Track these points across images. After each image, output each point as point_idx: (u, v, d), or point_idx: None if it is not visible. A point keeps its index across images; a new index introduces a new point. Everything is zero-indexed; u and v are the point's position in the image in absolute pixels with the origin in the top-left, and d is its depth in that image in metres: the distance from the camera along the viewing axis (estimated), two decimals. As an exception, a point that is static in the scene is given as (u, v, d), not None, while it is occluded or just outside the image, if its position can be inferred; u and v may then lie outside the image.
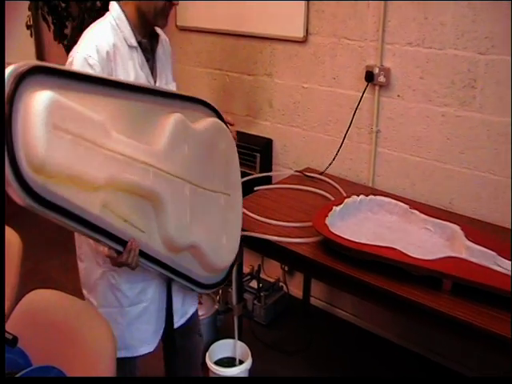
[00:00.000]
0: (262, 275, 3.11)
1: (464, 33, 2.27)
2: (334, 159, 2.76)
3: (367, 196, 2.30)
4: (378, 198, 2.31)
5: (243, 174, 2.69)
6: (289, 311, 3.09)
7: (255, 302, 2.96)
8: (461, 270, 1.79)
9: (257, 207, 2.37)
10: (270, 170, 3.07)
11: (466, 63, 2.29)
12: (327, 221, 2.05)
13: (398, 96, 2.53)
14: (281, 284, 3.14)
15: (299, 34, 2.74)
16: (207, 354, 2.39)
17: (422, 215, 2.17)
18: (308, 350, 2.78)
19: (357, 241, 1.92)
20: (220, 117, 1.86)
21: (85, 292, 1.84)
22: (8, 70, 1.18)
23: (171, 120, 1.59)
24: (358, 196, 2.29)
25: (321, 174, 2.76)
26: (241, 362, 2.40)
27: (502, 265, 1.85)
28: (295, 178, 2.75)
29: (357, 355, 2.76)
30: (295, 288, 3.16)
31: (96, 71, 1.54)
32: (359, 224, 2.17)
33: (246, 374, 2.36)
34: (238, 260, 2.17)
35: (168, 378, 1.87)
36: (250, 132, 3.13)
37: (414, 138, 2.52)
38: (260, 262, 3.12)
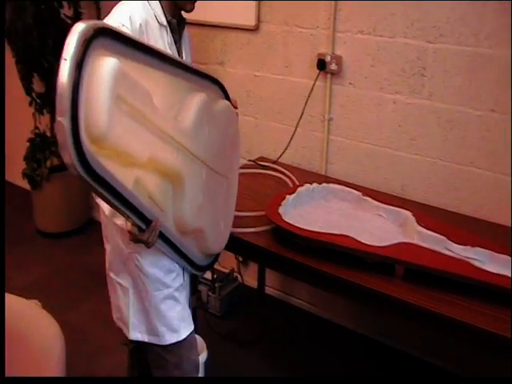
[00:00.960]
0: (217, 266, 3.07)
1: (413, 22, 2.29)
2: (286, 148, 2.75)
3: (320, 184, 2.31)
4: (331, 185, 2.32)
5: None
6: (244, 301, 3.07)
7: (210, 293, 2.93)
8: (412, 255, 1.81)
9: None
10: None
11: (415, 51, 2.32)
12: (280, 210, 2.04)
13: (350, 84, 2.53)
14: (235, 274, 3.12)
15: (251, 22, 2.71)
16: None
17: (375, 202, 2.18)
18: (264, 340, 2.78)
19: (310, 229, 1.92)
20: (229, 99, 1.88)
21: (112, 275, 1.79)
22: (77, 29, 1.10)
23: (197, 99, 1.57)
24: (311, 184, 2.29)
25: (274, 162, 2.75)
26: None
27: (451, 249, 1.88)
28: (248, 168, 2.72)
29: (313, 343, 2.78)
30: (250, 278, 3.15)
31: None
32: (312, 212, 2.16)
33: (202, 367, 2.32)
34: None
35: (168, 378, 1.83)
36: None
37: (365, 125, 2.54)
38: (214, 252, 3.08)
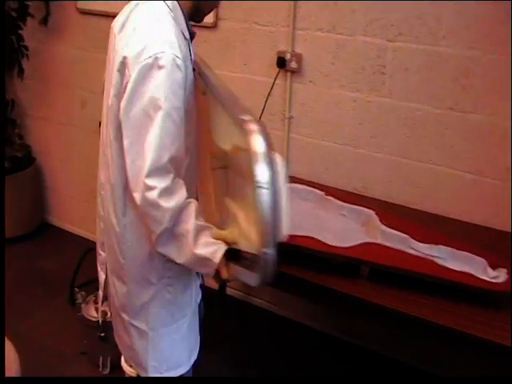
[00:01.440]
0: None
1: (373, 20, 2.29)
2: (247, 147, 2.70)
3: (282, 184, 2.27)
4: (293, 185, 2.29)
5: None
6: (204, 302, 3.01)
7: None
8: (377, 255, 1.81)
9: None
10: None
11: (375, 50, 2.31)
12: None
13: (310, 82, 2.52)
14: (196, 275, 3.06)
15: (209, 19, 2.65)
16: (122, 357, 2.27)
17: (338, 201, 2.17)
18: (226, 341, 2.73)
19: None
20: None
21: (125, 316, 1.60)
22: (259, 149, 1.10)
23: None
24: (273, 184, 2.25)
25: (234, 162, 2.70)
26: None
27: (415, 248, 1.89)
28: (208, 167, 2.67)
29: (275, 342, 2.75)
30: (210, 278, 3.09)
31: (181, 74, 1.30)
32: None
33: None
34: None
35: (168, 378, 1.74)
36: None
37: (326, 123, 2.52)
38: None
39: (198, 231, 1.33)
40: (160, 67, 1.25)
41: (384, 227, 1.96)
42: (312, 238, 1.85)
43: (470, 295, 1.72)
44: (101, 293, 1.70)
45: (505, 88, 2.11)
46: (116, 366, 2.27)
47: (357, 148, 2.48)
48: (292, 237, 1.84)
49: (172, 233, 1.33)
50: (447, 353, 2.38)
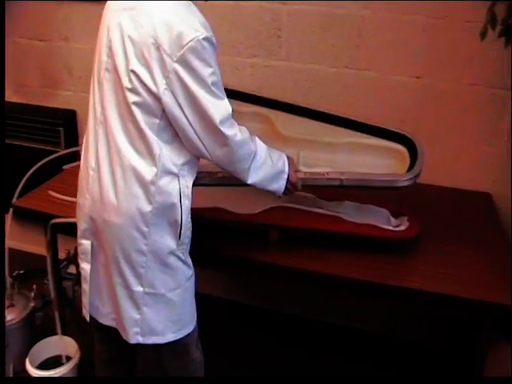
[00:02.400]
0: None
1: (265, -17, 2.27)
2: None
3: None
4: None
5: (46, 153, 2.51)
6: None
7: (76, 287, 2.65)
8: (284, 218, 1.83)
9: (67, 188, 2.15)
10: (77, 144, 2.83)
11: (269, 13, 2.31)
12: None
13: (206, 50, 2.47)
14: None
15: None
16: (27, 358, 2.17)
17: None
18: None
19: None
20: None
21: (139, 289, 1.54)
22: None
23: None
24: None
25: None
26: (69, 359, 2.21)
27: (321, 206, 1.94)
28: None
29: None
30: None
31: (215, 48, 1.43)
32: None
33: (74, 372, 2.18)
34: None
35: (169, 377, 1.69)
36: (49, 105, 2.86)
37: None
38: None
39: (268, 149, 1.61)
40: (202, 48, 1.36)
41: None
42: (217, 209, 1.84)
43: (376, 246, 1.79)
44: (86, 286, 1.64)
45: (394, 45, 2.19)
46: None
47: (258, 114, 2.48)
48: (196, 209, 1.83)
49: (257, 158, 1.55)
50: (362, 306, 2.49)
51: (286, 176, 1.64)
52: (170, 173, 1.46)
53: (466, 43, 2.10)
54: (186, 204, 1.51)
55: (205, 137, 1.44)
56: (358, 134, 1.95)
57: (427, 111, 2.27)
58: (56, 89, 2.84)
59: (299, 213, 1.87)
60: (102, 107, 1.48)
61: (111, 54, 1.45)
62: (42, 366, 2.21)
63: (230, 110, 1.44)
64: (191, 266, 1.60)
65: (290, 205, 1.91)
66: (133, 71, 1.39)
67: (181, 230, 1.51)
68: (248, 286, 2.83)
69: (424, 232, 1.84)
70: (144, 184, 1.44)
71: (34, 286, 2.53)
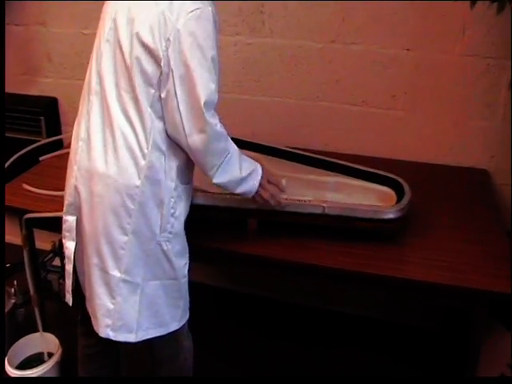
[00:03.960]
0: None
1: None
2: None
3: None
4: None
5: (27, 143, 2.38)
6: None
7: (61, 281, 2.56)
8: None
9: (44, 180, 2.05)
10: (60, 133, 2.75)
11: (250, -12, 2.20)
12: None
13: (188, 30, 2.37)
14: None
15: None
16: (6, 357, 2.09)
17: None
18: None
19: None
20: None
21: (116, 273, 1.46)
22: None
23: None
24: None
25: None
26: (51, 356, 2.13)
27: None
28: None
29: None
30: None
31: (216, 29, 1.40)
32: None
33: (56, 370, 2.10)
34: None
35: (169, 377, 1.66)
36: (29, 93, 2.76)
37: (209, 72, 2.40)
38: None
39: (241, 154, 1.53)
40: (206, 19, 1.35)
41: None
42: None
43: (363, 233, 1.69)
44: (70, 267, 1.57)
45: (382, 16, 2.08)
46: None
47: (241, 94, 2.38)
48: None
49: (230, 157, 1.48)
50: (353, 290, 2.40)
51: (258, 178, 1.55)
52: (159, 149, 1.41)
53: (458, 12, 1.98)
54: (169, 185, 1.44)
55: (186, 116, 1.37)
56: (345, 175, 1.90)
57: (419, 85, 2.16)
58: (35, 76, 2.73)
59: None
60: (99, 77, 1.44)
61: (115, 26, 1.42)
62: (23, 365, 2.15)
63: (216, 97, 1.39)
64: (177, 268, 1.52)
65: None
66: (137, 34, 1.35)
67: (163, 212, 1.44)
68: (232, 272, 2.74)
69: (415, 213, 1.74)
70: (134, 156, 1.40)
71: (15, 282, 2.45)
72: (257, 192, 1.55)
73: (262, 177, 1.55)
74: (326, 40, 2.18)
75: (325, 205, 1.67)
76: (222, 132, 1.44)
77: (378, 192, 1.82)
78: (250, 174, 1.52)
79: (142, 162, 1.40)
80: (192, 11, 1.33)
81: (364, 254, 1.63)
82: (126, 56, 1.37)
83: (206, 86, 1.34)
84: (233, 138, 1.49)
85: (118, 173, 1.41)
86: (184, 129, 1.38)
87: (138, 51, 1.36)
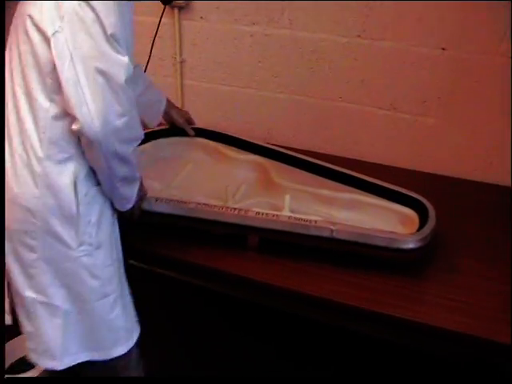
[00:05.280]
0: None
1: None
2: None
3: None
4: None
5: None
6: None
7: None
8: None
9: None
10: None
11: (269, -27, 1.98)
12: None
13: (201, 18, 2.17)
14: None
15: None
16: None
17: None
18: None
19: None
20: None
21: (30, 294, 1.31)
22: None
23: None
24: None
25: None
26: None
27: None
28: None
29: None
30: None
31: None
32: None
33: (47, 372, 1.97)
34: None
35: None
36: None
37: (222, 64, 2.20)
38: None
39: None
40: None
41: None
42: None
43: (376, 262, 1.47)
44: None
45: (415, 10, 1.82)
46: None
47: (258, 90, 2.17)
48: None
49: None
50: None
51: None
52: (59, 150, 1.21)
53: (502, 7, 1.70)
54: (78, 191, 1.24)
55: (96, 99, 1.14)
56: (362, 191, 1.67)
57: (455, 89, 1.90)
58: None
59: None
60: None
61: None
62: (14, 367, 2.05)
63: (131, 67, 1.18)
64: (107, 283, 1.33)
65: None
66: (29, 16, 1.16)
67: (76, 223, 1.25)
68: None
69: (440, 240, 1.52)
70: (28, 163, 1.21)
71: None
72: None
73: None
74: (350, 34, 1.95)
75: (333, 227, 1.45)
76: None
77: (397, 213, 1.60)
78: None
79: (38, 169, 1.20)
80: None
81: (374, 288, 1.41)
82: (20, 43, 1.19)
83: (117, 63, 1.15)
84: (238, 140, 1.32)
85: (16, 183, 1.23)
86: (90, 112, 1.15)
87: (30, 34, 1.16)
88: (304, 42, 2.03)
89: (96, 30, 1.11)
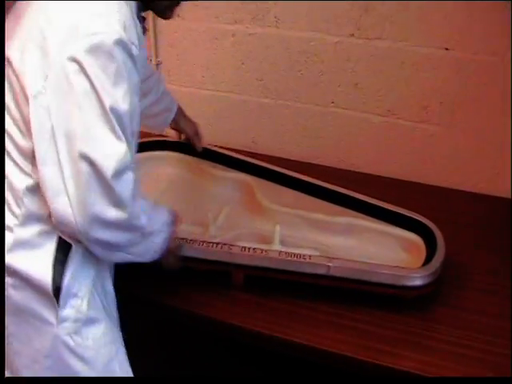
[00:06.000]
0: None
1: None
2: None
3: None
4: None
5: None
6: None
7: None
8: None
9: None
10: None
11: (252, -34, 1.80)
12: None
13: (179, 16, 1.95)
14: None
15: None
16: None
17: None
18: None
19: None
20: None
21: (8, 374, 1.13)
22: None
23: None
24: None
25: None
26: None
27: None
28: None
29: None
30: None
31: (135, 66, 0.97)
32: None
33: None
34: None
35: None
36: None
37: (203, 67, 2.02)
38: None
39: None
40: (112, 53, 0.91)
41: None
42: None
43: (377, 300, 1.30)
44: None
45: (414, 5, 1.64)
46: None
47: (241, 94, 2.00)
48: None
49: None
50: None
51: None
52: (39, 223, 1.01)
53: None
54: (73, 268, 1.04)
55: (78, 189, 0.93)
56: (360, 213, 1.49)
57: (459, 94, 1.72)
58: None
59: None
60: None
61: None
62: None
63: (129, 157, 0.95)
64: (101, 365, 1.10)
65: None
66: (8, 59, 0.96)
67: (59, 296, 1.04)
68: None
69: (447, 268, 1.33)
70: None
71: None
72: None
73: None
74: (343, 33, 1.77)
75: (330, 264, 1.27)
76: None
77: (401, 239, 1.44)
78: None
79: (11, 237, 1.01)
80: (88, 38, 0.89)
81: (375, 333, 1.24)
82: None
83: (110, 149, 0.93)
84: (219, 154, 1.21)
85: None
86: (73, 212, 0.94)
87: (9, 83, 0.96)
88: (291, 42, 1.86)
89: (89, 102, 0.90)
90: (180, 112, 1.67)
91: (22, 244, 1.01)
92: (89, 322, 1.08)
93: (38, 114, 0.91)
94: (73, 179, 0.91)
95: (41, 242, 1.01)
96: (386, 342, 1.21)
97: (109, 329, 1.12)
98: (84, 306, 1.07)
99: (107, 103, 0.89)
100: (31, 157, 0.95)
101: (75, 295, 1.05)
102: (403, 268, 1.28)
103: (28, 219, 1.00)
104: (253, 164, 1.64)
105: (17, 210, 0.99)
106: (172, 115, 1.63)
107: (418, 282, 1.25)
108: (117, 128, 0.91)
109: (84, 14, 0.92)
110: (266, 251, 1.28)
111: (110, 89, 0.90)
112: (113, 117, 0.90)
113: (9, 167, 0.98)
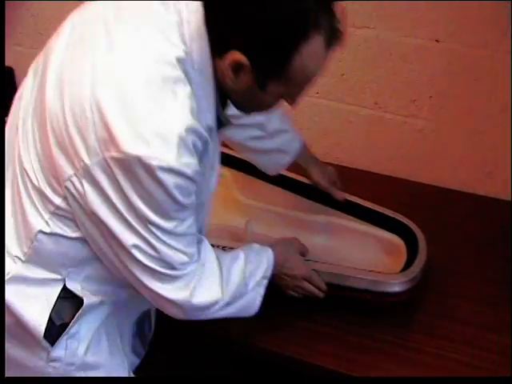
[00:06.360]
0: None
1: None
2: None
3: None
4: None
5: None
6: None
7: None
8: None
9: None
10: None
11: None
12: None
13: None
14: None
15: None
16: None
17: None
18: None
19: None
20: None
21: None
22: None
23: None
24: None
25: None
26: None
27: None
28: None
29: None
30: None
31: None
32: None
33: None
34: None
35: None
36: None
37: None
38: None
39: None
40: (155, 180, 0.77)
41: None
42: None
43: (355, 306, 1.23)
44: None
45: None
46: None
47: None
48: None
49: None
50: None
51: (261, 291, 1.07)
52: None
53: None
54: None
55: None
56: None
57: (450, 88, 1.64)
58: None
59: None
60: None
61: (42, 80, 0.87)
62: None
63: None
64: None
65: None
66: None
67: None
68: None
69: (431, 272, 1.27)
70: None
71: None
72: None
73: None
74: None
75: (307, 269, 1.20)
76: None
77: (381, 241, 1.37)
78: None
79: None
80: (116, 156, 0.74)
81: (349, 341, 1.18)
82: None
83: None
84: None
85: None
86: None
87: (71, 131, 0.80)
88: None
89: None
90: (309, 158, 1.40)
91: (22, 279, 0.90)
92: (84, 367, 0.96)
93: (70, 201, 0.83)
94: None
95: (41, 287, 0.90)
96: (361, 350, 1.14)
97: (110, 375, 1.01)
98: (81, 350, 0.95)
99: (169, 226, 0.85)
100: (54, 209, 0.84)
101: (72, 336, 0.93)
102: (380, 273, 1.21)
103: (32, 261, 0.89)
104: (229, 155, 1.54)
105: (25, 247, 0.88)
106: (287, 158, 1.35)
107: (396, 289, 1.18)
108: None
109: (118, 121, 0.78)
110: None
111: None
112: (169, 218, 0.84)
113: (26, 204, 0.86)
